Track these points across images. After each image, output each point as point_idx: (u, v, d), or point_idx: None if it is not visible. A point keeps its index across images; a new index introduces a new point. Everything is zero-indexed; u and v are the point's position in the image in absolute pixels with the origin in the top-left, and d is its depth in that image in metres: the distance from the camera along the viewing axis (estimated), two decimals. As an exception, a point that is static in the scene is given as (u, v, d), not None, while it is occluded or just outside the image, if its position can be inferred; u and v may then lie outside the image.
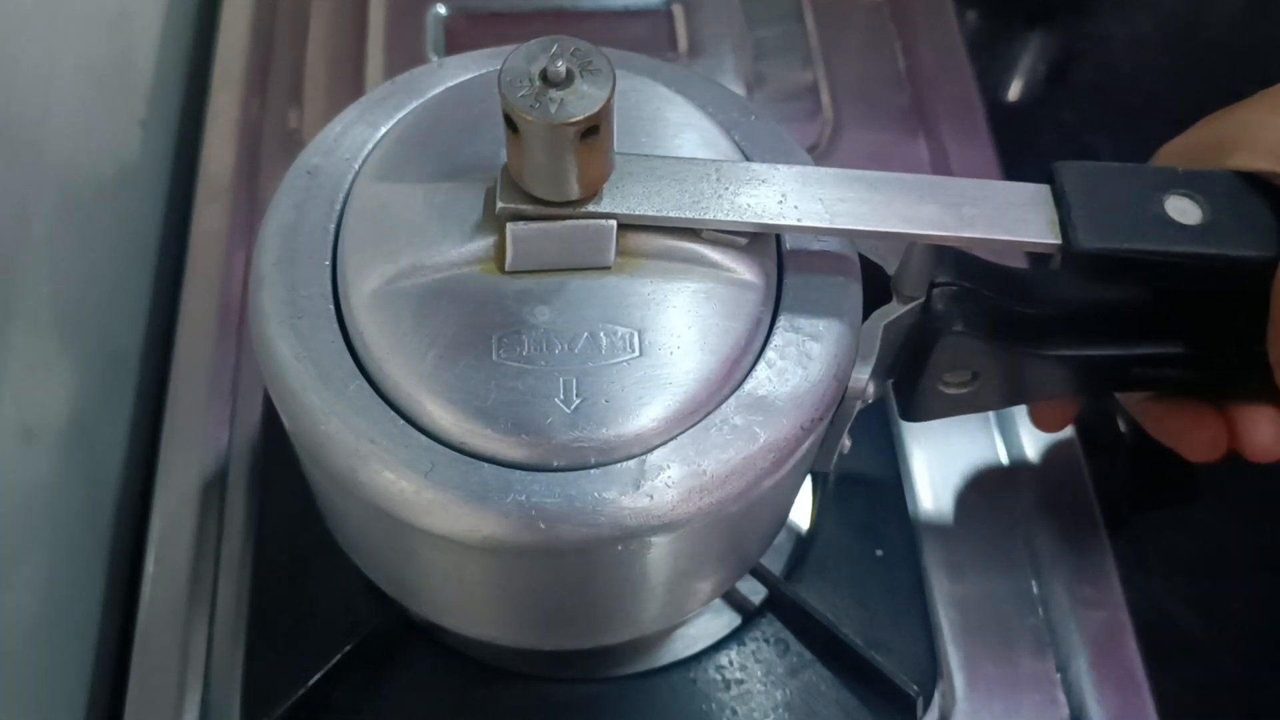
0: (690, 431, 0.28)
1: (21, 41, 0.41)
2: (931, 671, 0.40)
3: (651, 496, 0.27)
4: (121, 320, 0.49)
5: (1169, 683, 0.42)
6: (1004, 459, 0.47)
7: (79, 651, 0.42)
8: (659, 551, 0.29)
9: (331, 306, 0.29)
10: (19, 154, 0.41)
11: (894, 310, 0.33)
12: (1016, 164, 0.55)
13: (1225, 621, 0.48)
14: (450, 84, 0.34)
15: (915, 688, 0.39)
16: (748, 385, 0.29)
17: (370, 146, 0.32)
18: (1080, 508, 0.45)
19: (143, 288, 0.51)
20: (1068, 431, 0.47)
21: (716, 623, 0.41)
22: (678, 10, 0.60)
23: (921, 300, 0.33)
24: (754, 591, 0.42)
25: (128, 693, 0.40)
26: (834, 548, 0.42)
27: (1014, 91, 0.65)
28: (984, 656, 0.42)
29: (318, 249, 0.30)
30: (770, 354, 0.29)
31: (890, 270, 0.33)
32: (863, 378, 0.32)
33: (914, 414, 0.38)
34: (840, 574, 0.42)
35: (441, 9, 0.59)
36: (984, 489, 0.46)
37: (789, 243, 0.31)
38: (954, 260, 0.34)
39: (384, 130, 0.33)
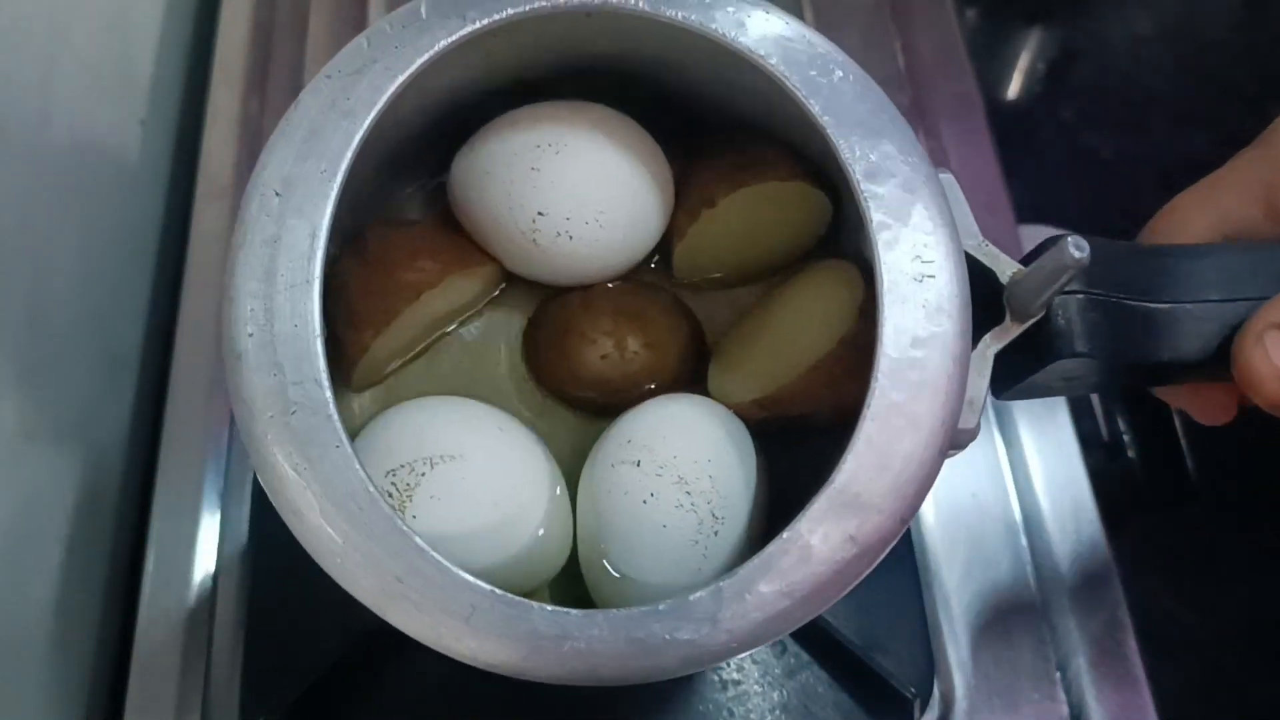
0: (772, 545, 0.24)
1: (21, 41, 0.41)
2: (929, 673, 0.40)
3: (731, 631, 0.23)
4: (121, 320, 0.49)
5: (1169, 682, 0.42)
6: (1003, 459, 0.47)
7: (79, 651, 0.42)
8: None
9: (327, 395, 0.24)
10: (19, 154, 0.41)
11: (1008, 333, 0.28)
12: (1016, 163, 0.55)
13: (1225, 621, 0.48)
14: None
15: (912, 689, 0.38)
16: (838, 479, 0.24)
17: (351, 151, 0.27)
18: (1080, 508, 0.45)
19: (143, 288, 0.51)
20: (1068, 432, 0.47)
21: (715, 623, 0.41)
22: (677, 8, 0.60)
23: (1041, 317, 0.28)
24: (753, 591, 0.42)
25: (128, 693, 0.40)
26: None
27: (1014, 91, 0.65)
28: (983, 656, 0.42)
29: (301, 307, 0.25)
30: (863, 436, 0.24)
31: (1003, 277, 0.28)
32: (970, 426, 0.26)
33: (999, 394, 0.32)
34: (839, 574, 0.42)
35: (441, 8, 0.59)
36: (982, 489, 0.46)
37: (886, 281, 0.26)
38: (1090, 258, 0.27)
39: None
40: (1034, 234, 0.56)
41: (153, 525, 0.43)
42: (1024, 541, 0.45)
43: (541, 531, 0.29)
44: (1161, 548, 0.49)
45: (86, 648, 0.43)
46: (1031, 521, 0.45)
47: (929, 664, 0.40)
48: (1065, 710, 0.41)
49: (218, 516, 0.44)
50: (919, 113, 0.57)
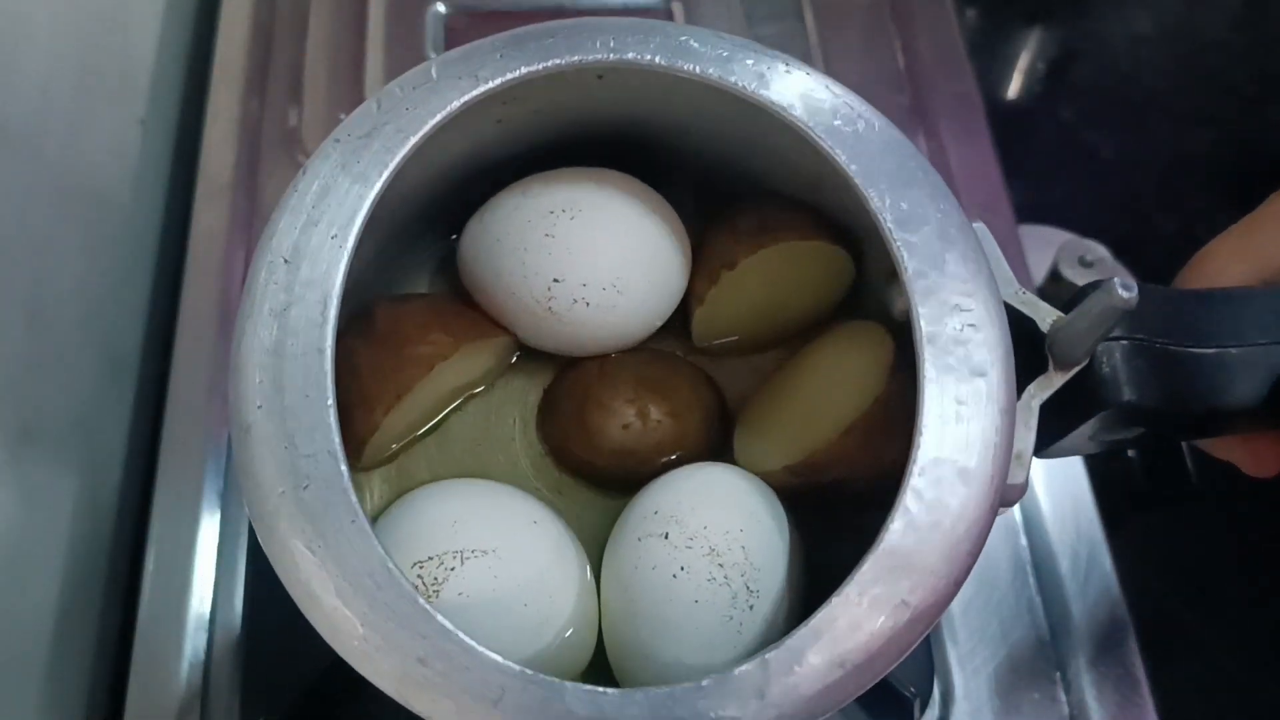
0: (821, 613, 0.22)
1: (21, 41, 0.41)
2: (929, 673, 0.40)
3: (780, 707, 0.22)
4: (121, 320, 0.49)
5: (1169, 682, 0.42)
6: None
7: (79, 651, 0.42)
8: None
9: (342, 467, 0.23)
10: (19, 154, 0.41)
11: (1051, 382, 0.27)
12: (1016, 163, 0.55)
13: (1225, 621, 0.48)
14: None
15: (912, 689, 0.38)
16: (886, 539, 0.23)
17: (362, 216, 0.25)
18: (1080, 508, 0.45)
19: (143, 288, 0.51)
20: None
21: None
22: (677, 9, 0.60)
23: (1085, 365, 0.27)
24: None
25: (128, 693, 0.40)
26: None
27: (1014, 90, 0.65)
28: (983, 655, 0.42)
29: (313, 376, 0.24)
30: (912, 492, 0.23)
31: (1043, 325, 0.27)
32: (1018, 482, 0.25)
33: (1040, 451, 0.31)
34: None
35: (441, 7, 0.59)
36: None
37: (925, 332, 0.25)
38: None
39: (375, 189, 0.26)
40: (1034, 234, 0.56)
41: (153, 525, 0.43)
42: (1024, 541, 0.45)
43: (570, 630, 0.28)
44: (1161, 548, 0.49)
45: (86, 648, 0.43)
46: (1031, 521, 0.45)
47: (929, 663, 0.40)
48: (1065, 710, 0.41)
49: (218, 516, 0.44)
50: (919, 113, 0.57)
